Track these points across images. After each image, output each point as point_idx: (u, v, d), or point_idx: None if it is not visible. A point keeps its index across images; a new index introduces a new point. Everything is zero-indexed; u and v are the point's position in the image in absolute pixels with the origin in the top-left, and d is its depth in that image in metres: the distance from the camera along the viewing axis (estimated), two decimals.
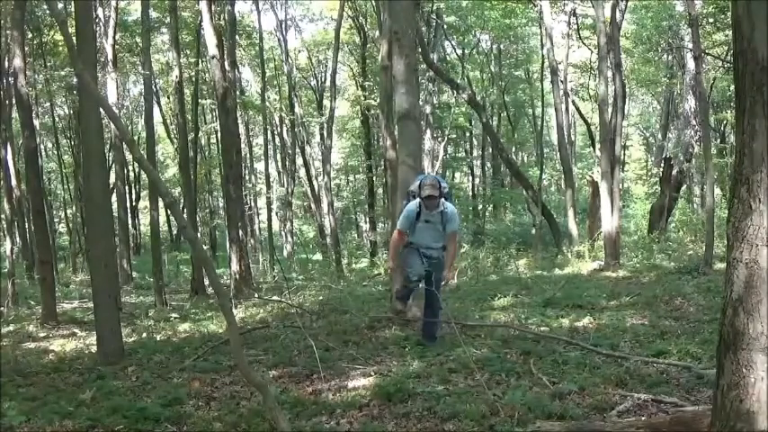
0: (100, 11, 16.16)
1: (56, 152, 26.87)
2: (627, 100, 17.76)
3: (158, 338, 7.57)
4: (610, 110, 13.40)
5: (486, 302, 8.63)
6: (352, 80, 28.51)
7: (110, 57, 16.14)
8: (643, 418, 3.69)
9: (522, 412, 3.85)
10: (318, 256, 22.03)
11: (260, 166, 29.29)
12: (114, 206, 14.70)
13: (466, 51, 25.20)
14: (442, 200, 5.81)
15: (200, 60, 18.25)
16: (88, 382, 5.41)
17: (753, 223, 2.41)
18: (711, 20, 17.19)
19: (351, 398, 4.42)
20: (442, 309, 6.29)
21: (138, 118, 27.58)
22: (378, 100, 16.68)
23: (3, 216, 16.37)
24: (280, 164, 28.41)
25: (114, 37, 16.49)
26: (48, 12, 16.36)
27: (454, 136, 27.51)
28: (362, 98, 23.70)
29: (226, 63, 12.72)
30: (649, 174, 26.70)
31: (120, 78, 21.05)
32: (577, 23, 20.30)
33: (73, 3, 8.55)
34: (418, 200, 5.79)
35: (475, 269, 12.86)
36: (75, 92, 17.89)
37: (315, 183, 24.12)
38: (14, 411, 4.45)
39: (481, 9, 21.19)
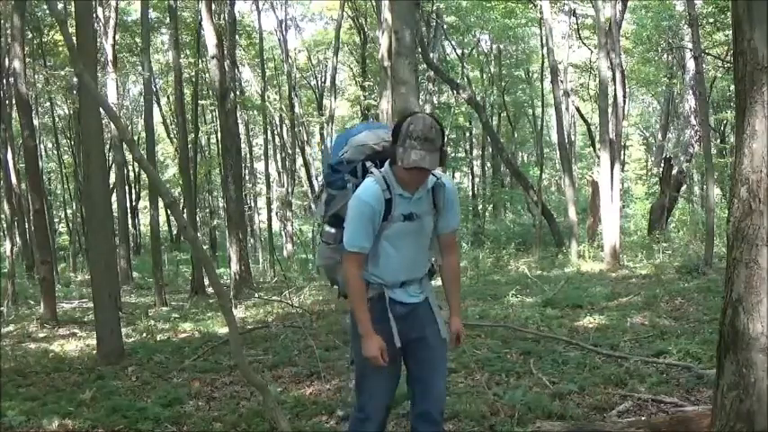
0: (100, 11, 16.14)
1: (56, 152, 26.87)
2: (627, 100, 17.72)
3: (158, 338, 7.58)
4: (610, 109, 13.40)
5: (486, 302, 8.63)
6: (352, 80, 28.49)
7: (110, 57, 16.14)
8: (643, 418, 3.69)
9: (522, 412, 3.85)
10: None
11: (260, 166, 29.27)
12: (114, 206, 14.69)
13: (466, 51, 25.19)
14: None
15: (200, 60, 18.23)
16: (88, 382, 5.41)
17: (753, 223, 2.41)
18: (711, 20, 17.17)
19: (351, 398, 4.42)
20: None
21: (138, 118, 27.57)
22: (378, 100, 16.68)
23: (3, 216, 16.37)
24: (280, 164, 28.40)
25: (114, 37, 16.48)
26: (48, 12, 16.35)
27: (454, 136, 27.47)
28: (362, 98, 23.69)
29: (226, 63, 12.72)
30: (649, 174, 26.68)
31: (120, 78, 21.03)
32: (577, 23, 20.30)
33: (73, 3, 8.56)
34: (381, 173, 2.62)
35: (475, 269, 12.85)
36: (75, 92, 17.88)
37: (315, 183, 24.12)
38: (14, 411, 4.45)
39: (481, 9, 21.17)
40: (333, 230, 2.78)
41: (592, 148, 21.31)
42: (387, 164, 2.64)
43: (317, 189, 3.01)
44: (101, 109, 6.20)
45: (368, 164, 2.70)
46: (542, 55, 21.08)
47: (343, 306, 3.66)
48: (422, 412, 2.76)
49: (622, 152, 20.02)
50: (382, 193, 2.59)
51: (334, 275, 2.85)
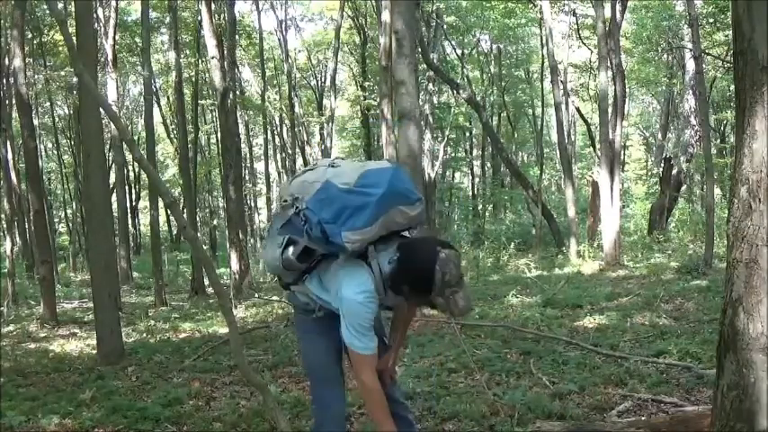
0: (100, 11, 16.14)
1: (56, 152, 26.88)
2: (627, 100, 17.72)
3: (158, 338, 7.58)
4: (610, 110, 13.40)
5: (486, 302, 8.63)
6: (352, 80, 28.49)
7: (110, 57, 16.13)
8: (643, 418, 3.69)
9: (522, 412, 3.85)
10: None
11: (260, 166, 29.28)
12: (114, 206, 14.69)
13: (466, 51, 25.19)
14: None
15: (200, 60, 18.23)
16: (88, 382, 5.41)
17: (753, 223, 2.41)
18: (711, 20, 17.18)
19: (350, 398, 4.42)
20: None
21: (138, 118, 27.58)
22: (378, 100, 16.69)
23: (3, 216, 16.37)
24: (280, 164, 28.40)
25: (114, 37, 16.47)
26: (48, 12, 16.35)
27: (454, 136, 27.48)
28: (362, 98, 23.69)
29: (226, 63, 12.73)
30: (649, 174, 26.68)
31: (120, 78, 21.03)
32: (577, 23, 20.30)
33: (73, 3, 8.56)
34: (381, 276, 2.42)
35: (475, 269, 12.86)
36: (75, 92, 17.88)
37: None
38: (14, 411, 4.45)
39: (481, 9, 21.18)
40: (296, 262, 2.50)
41: (592, 148, 21.31)
42: (387, 264, 2.40)
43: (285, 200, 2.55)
44: (101, 109, 6.20)
45: (369, 248, 2.43)
46: (542, 55, 21.08)
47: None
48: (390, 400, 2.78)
49: (622, 152, 20.02)
50: (376, 289, 2.42)
51: (288, 281, 2.68)
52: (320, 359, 2.67)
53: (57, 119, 24.43)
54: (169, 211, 16.85)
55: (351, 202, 2.36)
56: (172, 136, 25.65)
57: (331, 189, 2.42)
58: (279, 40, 23.47)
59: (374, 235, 2.38)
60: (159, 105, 24.93)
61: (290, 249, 2.50)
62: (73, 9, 8.21)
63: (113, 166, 17.75)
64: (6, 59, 13.24)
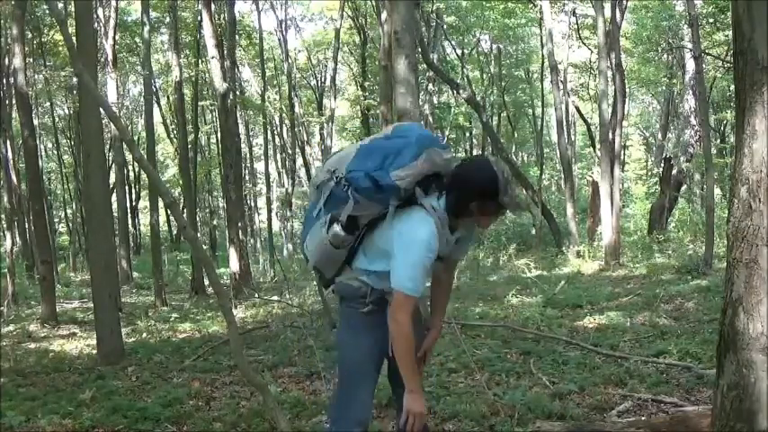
0: (100, 11, 16.14)
1: (56, 152, 26.88)
2: (627, 100, 17.71)
3: (158, 338, 7.58)
4: (609, 109, 13.39)
5: (486, 302, 8.64)
6: (352, 80, 28.49)
7: (110, 57, 16.13)
8: (643, 418, 3.69)
9: (522, 412, 3.85)
10: None
11: (260, 166, 29.28)
12: (114, 206, 14.69)
13: (466, 51, 25.18)
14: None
15: (200, 60, 18.24)
16: (88, 382, 5.42)
17: (753, 223, 2.41)
18: (711, 20, 17.18)
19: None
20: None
21: (138, 118, 27.59)
22: (378, 100, 16.69)
23: (3, 215, 16.38)
24: (280, 164, 28.41)
25: (114, 37, 16.47)
26: (48, 12, 16.35)
27: (454, 136, 27.47)
28: (362, 98, 23.69)
29: (226, 63, 12.73)
30: (649, 174, 26.66)
31: (120, 78, 21.03)
32: (577, 23, 20.29)
33: (73, 3, 8.56)
34: (439, 217, 2.42)
35: (475, 269, 12.86)
36: (75, 92, 17.88)
37: None
38: (14, 411, 4.45)
39: (481, 9, 21.17)
40: (343, 234, 2.49)
41: (592, 148, 21.30)
42: (442, 205, 2.43)
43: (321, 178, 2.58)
44: (101, 109, 6.20)
45: (417, 190, 2.43)
46: (542, 55, 21.07)
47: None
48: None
49: (622, 152, 20.01)
50: (436, 232, 2.40)
51: (331, 274, 2.62)
52: (359, 357, 2.57)
53: (57, 119, 24.42)
54: (169, 211, 16.86)
55: (393, 146, 2.45)
56: (172, 136, 25.66)
57: (368, 145, 2.52)
58: (279, 40, 23.48)
59: (420, 170, 2.41)
60: (159, 105, 24.93)
61: (335, 225, 2.49)
62: (73, 9, 8.22)
63: (113, 166, 17.74)
64: (6, 59, 13.25)
